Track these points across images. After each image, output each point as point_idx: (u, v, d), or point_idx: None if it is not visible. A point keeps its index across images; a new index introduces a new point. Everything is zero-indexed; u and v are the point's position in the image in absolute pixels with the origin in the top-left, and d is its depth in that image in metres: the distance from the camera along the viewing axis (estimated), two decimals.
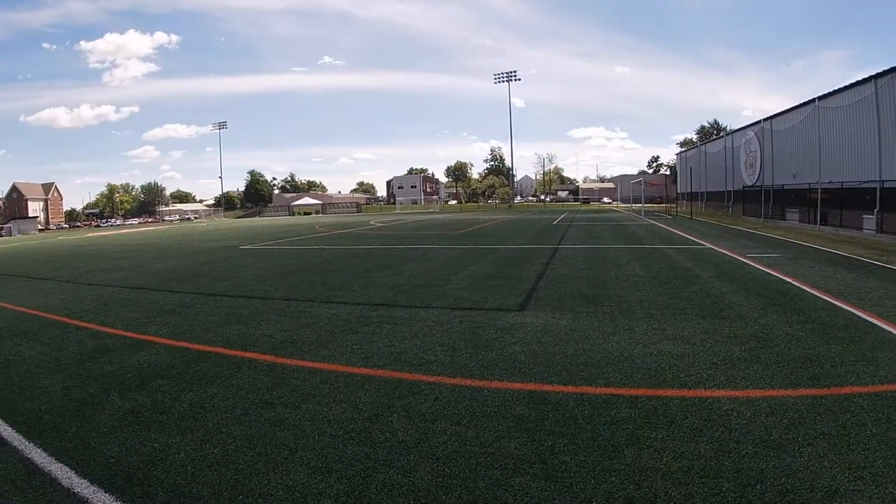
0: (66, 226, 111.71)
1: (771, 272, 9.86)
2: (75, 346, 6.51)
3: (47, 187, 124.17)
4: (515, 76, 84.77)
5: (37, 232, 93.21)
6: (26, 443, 3.71)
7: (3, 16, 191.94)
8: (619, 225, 27.05)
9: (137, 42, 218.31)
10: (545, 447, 3.34)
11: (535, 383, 4.49)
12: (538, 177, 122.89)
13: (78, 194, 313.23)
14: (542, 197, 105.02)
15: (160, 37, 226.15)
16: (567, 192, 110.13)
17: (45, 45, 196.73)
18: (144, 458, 3.42)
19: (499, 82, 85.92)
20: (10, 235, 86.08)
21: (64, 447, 3.59)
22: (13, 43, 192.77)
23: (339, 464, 3.24)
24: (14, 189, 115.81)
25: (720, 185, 40.38)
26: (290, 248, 20.07)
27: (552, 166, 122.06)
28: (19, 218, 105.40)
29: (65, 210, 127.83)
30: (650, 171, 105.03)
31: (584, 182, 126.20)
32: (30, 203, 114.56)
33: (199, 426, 3.91)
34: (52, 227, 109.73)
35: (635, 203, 55.96)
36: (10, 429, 4.03)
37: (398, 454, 3.33)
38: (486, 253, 15.25)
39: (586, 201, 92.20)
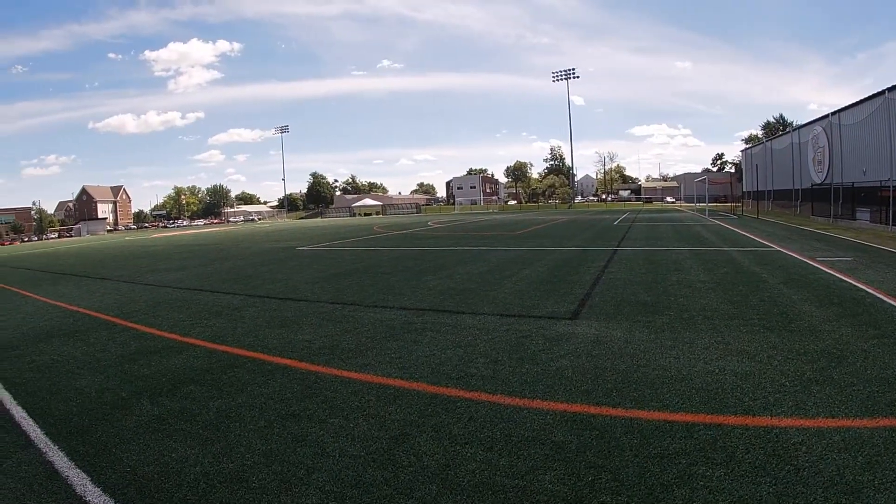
0: (134, 227, 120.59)
1: (843, 278, 9.28)
2: (119, 348, 6.85)
3: (116, 190, 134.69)
4: (574, 73, 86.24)
5: (105, 233, 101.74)
6: (52, 445, 3.88)
7: (68, 28, 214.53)
8: (682, 225, 26.38)
9: (200, 50, 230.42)
10: (584, 483, 3.00)
11: (581, 404, 4.12)
12: (599, 176, 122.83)
13: (146, 197, 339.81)
14: (603, 196, 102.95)
15: (222, 45, 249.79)
16: (629, 191, 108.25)
17: (111, 56, 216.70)
18: (160, 469, 3.44)
19: (557, 80, 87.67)
20: (80, 236, 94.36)
21: (86, 452, 3.72)
22: (80, 54, 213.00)
23: (354, 489, 3.06)
24: (84, 192, 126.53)
25: (787, 184, 39.30)
26: (345, 250, 20.70)
27: (613, 165, 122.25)
28: (89, 219, 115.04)
29: (133, 212, 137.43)
30: (714, 168, 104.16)
31: (647, 181, 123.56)
32: (99, 205, 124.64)
33: (221, 437, 3.89)
34: (120, 228, 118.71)
35: (699, 202, 53.73)
36: (39, 430, 4.24)
37: (420, 482, 3.10)
38: (542, 255, 14.84)
39: (648, 201, 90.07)
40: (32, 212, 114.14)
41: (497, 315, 7.41)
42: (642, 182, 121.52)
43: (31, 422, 4.45)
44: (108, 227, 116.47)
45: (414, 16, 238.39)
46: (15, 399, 5.11)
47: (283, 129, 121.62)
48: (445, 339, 6.20)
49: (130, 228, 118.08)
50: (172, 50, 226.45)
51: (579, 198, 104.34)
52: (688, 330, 6.17)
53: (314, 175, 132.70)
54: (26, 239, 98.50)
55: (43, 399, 4.99)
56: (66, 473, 3.40)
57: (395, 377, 4.96)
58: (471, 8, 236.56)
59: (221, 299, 10.20)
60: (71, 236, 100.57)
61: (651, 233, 22.18)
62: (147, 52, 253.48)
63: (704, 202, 48.44)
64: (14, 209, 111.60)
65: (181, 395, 4.81)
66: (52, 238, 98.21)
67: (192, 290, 11.86)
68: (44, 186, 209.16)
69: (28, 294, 14.02)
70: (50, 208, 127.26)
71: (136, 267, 19.63)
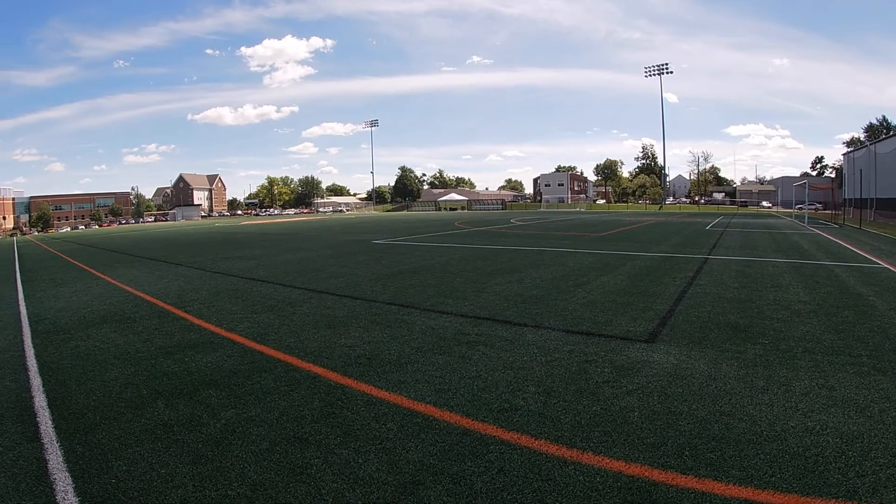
0: (227, 214, 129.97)
1: None
2: (162, 339, 7.04)
3: (212, 178, 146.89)
4: (667, 69, 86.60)
5: (199, 218, 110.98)
6: (54, 442, 3.93)
7: (166, 25, 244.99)
8: (779, 233, 24.55)
9: (294, 47, 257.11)
10: None
11: (643, 464, 3.32)
12: (692, 176, 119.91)
13: (240, 185, 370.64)
14: (696, 198, 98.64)
15: (315, 41, 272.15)
16: (723, 193, 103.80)
17: (209, 51, 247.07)
18: (143, 486, 3.27)
19: (650, 76, 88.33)
20: (175, 220, 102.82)
21: (81, 454, 3.72)
22: (178, 50, 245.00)
23: None
24: (181, 179, 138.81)
25: (893, 191, 37.64)
26: (420, 245, 20.97)
27: (707, 166, 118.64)
28: (184, 205, 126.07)
29: (227, 199, 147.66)
30: (813, 173, 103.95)
31: (742, 183, 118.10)
32: (195, 192, 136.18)
33: (217, 457, 3.62)
34: (214, 214, 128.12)
35: (797, 208, 49.91)
36: (49, 423, 4.32)
37: None
38: (625, 261, 13.65)
39: (744, 204, 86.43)
40: (131, 196, 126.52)
41: (562, 331, 6.70)
42: (737, 184, 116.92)
43: (46, 413, 4.56)
44: (203, 213, 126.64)
45: (502, 10, 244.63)
46: (43, 386, 5.32)
47: (373, 124, 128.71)
48: (497, 358, 5.61)
49: (223, 215, 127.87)
50: (267, 46, 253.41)
51: (671, 199, 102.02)
52: (784, 366, 5.15)
53: (402, 168, 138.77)
54: (124, 221, 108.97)
55: (68, 389, 5.18)
56: (54, 476, 3.41)
57: (428, 402, 4.41)
58: (559, 2, 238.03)
59: (280, 292, 10.30)
60: (166, 220, 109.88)
61: (745, 240, 20.28)
62: (243, 49, 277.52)
63: (803, 208, 44.81)
64: (114, 193, 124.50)
65: (198, 400, 4.69)
66: (149, 222, 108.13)
67: (257, 280, 12.14)
68: (143, 173, 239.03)
69: (102, 276, 15.06)
70: (148, 194, 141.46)
71: (214, 253, 20.93)
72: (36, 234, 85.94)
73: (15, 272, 18.77)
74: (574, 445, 3.60)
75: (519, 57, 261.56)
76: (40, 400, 4.89)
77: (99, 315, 8.97)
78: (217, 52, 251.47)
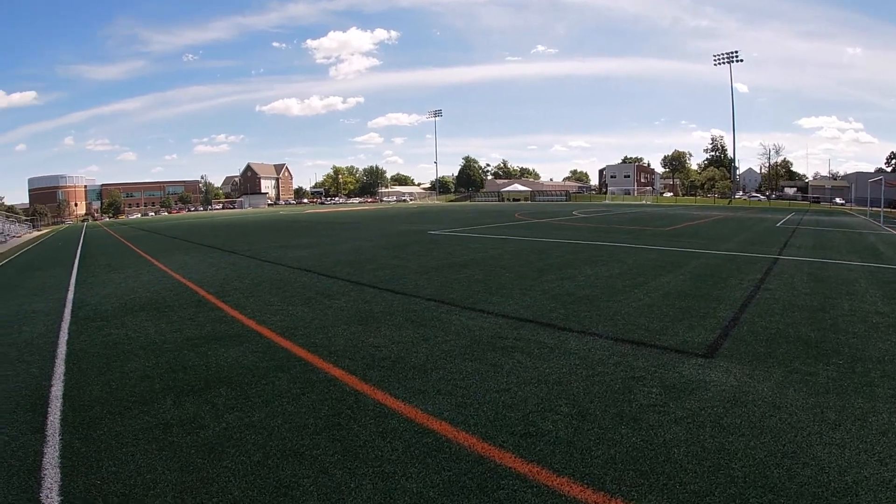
0: (293, 202, 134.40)
1: None
2: (192, 329, 7.07)
3: (279, 167, 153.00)
4: (737, 57, 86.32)
5: (266, 206, 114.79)
6: (56, 436, 3.94)
7: (232, 20, 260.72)
8: (853, 233, 22.85)
9: (359, 39, 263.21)
10: None
11: None
12: (763, 170, 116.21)
13: (306, 175, 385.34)
14: (767, 193, 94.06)
15: (380, 33, 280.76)
16: (794, 188, 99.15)
17: (275, 44, 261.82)
18: (125, 491, 3.18)
19: (719, 64, 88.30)
20: (242, 208, 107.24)
21: (77, 450, 3.71)
22: (246, 43, 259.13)
23: None
24: (249, 168, 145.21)
25: None
26: (475, 236, 20.66)
27: (779, 159, 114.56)
28: (251, 193, 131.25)
29: (293, 188, 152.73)
30: (888, 169, 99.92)
31: (814, 178, 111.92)
32: (262, 181, 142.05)
33: (206, 466, 3.42)
34: (280, 202, 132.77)
35: (873, 206, 46.56)
36: (58, 415, 4.36)
37: None
38: (688, 259, 12.63)
39: (816, 200, 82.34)
40: (200, 185, 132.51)
41: (611, 339, 6.05)
42: (809, 179, 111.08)
43: (58, 403, 4.62)
44: (269, 202, 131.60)
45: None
46: (65, 375, 5.42)
47: (437, 114, 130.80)
48: (532, 368, 5.09)
49: (289, 203, 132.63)
50: (332, 38, 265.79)
51: (740, 193, 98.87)
52: (860, 394, 4.34)
53: (466, 159, 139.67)
54: (192, 209, 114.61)
55: (87, 379, 5.25)
56: (45, 472, 3.41)
57: (444, 418, 3.98)
58: None
59: (322, 283, 10.24)
60: (234, 208, 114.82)
61: (818, 240, 18.54)
62: (309, 41, 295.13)
63: (880, 206, 41.26)
64: (183, 182, 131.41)
65: (205, 399, 4.56)
66: (216, 209, 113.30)
67: (303, 270, 12.19)
68: (213, 162, 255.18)
69: (155, 262, 15.60)
70: (217, 182, 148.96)
71: (270, 241, 21.52)
72: (106, 220, 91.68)
73: (76, 257, 19.83)
74: (602, 488, 3.05)
75: (584, 46, 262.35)
76: (57, 389, 4.98)
77: (140, 302, 9.19)
78: (283, 44, 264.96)
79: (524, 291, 8.81)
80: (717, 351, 5.57)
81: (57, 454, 3.63)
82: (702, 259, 12.59)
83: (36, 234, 55.25)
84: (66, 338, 7.01)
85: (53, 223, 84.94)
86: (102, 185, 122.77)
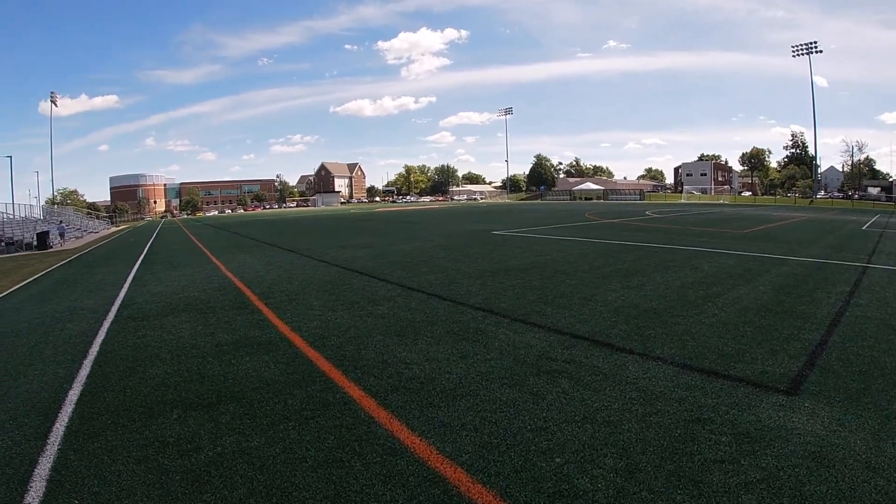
0: (366, 200, 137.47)
1: None
2: (225, 334, 6.89)
3: (352, 167, 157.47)
4: (816, 48, 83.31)
5: (339, 204, 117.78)
6: (55, 445, 3.87)
7: (303, 24, 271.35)
8: None
9: (429, 39, 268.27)
10: None
11: None
12: (845, 168, 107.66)
13: (379, 174, 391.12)
14: (850, 192, 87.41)
15: (450, 33, 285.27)
16: (879, 188, 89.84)
17: (347, 47, 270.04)
18: None
19: (797, 55, 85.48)
20: (315, 206, 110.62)
21: (69, 463, 3.61)
22: (317, 46, 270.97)
23: None
24: (322, 167, 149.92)
25: None
26: (541, 237, 19.92)
27: (862, 156, 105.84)
28: (324, 192, 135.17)
29: (366, 187, 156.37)
30: None
31: None
32: (336, 180, 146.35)
33: (179, 499, 3.12)
34: (353, 200, 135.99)
35: None
36: (65, 422, 4.31)
37: None
38: (769, 266, 11.25)
39: None
40: (275, 183, 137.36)
41: (677, 365, 5.23)
42: (894, 179, 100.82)
43: (69, 409, 4.57)
44: (342, 200, 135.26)
45: None
46: (87, 378, 5.38)
47: (507, 112, 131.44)
48: (579, 401, 4.36)
49: (361, 202, 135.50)
50: (403, 39, 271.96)
51: (822, 193, 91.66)
52: None
53: (537, 157, 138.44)
54: (267, 206, 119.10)
55: (106, 383, 5.22)
56: (32, 483, 3.34)
57: (462, 462, 3.37)
58: None
59: (371, 287, 9.94)
60: (307, 206, 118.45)
61: None
62: (380, 43, 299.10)
63: None
64: (259, 180, 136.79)
65: (211, 416, 4.27)
66: (290, 207, 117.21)
67: (355, 272, 11.95)
68: (289, 161, 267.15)
69: (215, 260, 15.92)
70: (293, 181, 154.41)
71: (331, 240, 21.71)
72: (184, 217, 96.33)
73: (141, 254, 20.54)
74: None
75: (656, 40, 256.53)
76: (75, 393, 4.96)
77: (185, 302, 9.20)
78: (354, 46, 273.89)
79: (584, 302, 8.05)
80: (801, 386, 4.68)
81: (49, 465, 3.55)
82: (783, 267, 11.32)
83: (113, 230, 58.69)
84: (102, 338, 7.02)
85: (133, 220, 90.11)
86: (181, 183, 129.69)
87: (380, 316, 7.50)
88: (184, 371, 5.42)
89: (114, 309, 8.96)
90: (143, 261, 17.58)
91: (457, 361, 5.35)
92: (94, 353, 6.25)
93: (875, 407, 4.15)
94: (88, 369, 5.65)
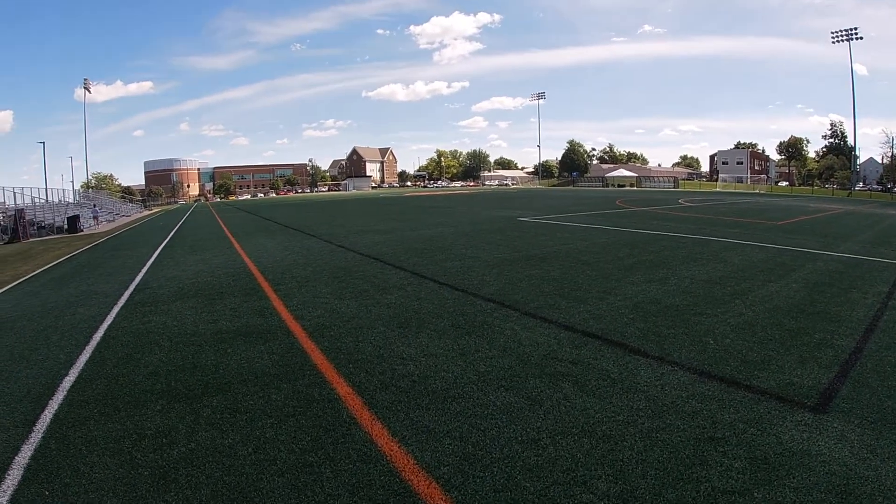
0: (397, 185, 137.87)
1: None
2: (227, 321, 6.81)
3: (383, 151, 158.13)
4: (856, 34, 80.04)
5: (370, 189, 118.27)
6: (39, 433, 3.84)
7: (335, 9, 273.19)
8: None
9: (462, 23, 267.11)
10: None
11: None
12: (885, 160, 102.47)
13: (410, 159, 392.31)
14: (890, 186, 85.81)
15: (483, 17, 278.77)
16: None
17: (379, 31, 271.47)
18: None
19: (837, 41, 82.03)
20: (346, 190, 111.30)
21: (49, 452, 3.57)
22: (350, 31, 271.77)
23: None
24: (354, 152, 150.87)
25: None
26: (567, 225, 19.46)
27: None
28: (356, 176, 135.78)
29: (397, 172, 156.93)
30: None
31: None
32: (367, 164, 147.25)
33: (142, 498, 3.01)
34: (384, 185, 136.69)
35: None
36: (54, 409, 4.28)
37: None
38: (803, 261, 10.57)
39: None
40: (307, 167, 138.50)
41: (694, 371, 4.77)
42: None
43: (61, 396, 4.54)
44: (374, 184, 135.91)
45: None
46: (85, 364, 5.35)
47: (540, 96, 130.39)
48: (580, 410, 3.98)
49: (392, 186, 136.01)
50: (435, 24, 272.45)
51: (861, 185, 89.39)
52: None
53: (570, 142, 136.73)
54: (299, 191, 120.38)
55: (102, 370, 5.16)
56: (10, 472, 3.31)
57: (439, 476, 3.09)
58: None
59: (384, 274, 9.78)
60: (339, 190, 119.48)
61: None
62: (412, 27, 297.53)
63: None
64: (292, 165, 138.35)
65: (193, 409, 4.17)
66: (322, 191, 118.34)
67: (371, 258, 11.84)
68: (321, 146, 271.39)
69: (235, 244, 16.07)
70: (325, 165, 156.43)
71: (354, 224, 21.81)
72: (217, 200, 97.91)
73: (167, 237, 20.81)
74: None
75: (693, 24, 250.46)
76: (70, 380, 4.90)
77: (196, 287, 9.21)
78: (387, 31, 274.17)
79: (602, 296, 7.67)
80: (830, 401, 4.15)
81: (30, 454, 3.52)
82: (818, 262, 10.67)
83: (146, 213, 59.82)
84: (109, 322, 7.02)
85: (166, 203, 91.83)
86: (215, 167, 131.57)
87: (386, 305, 7.30)
88: (178, 359, 5.36)
89: (127, 293, 8.99)
90: (166, 244, 17.78)
91: (456, 358, 5.08)
92: (98, 339, 6.23)
93: None
94: (88, 355, 5.62)
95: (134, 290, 9.30)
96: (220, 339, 6.01)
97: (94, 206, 42.79)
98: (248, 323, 6.64)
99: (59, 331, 6.73)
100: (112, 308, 7.87)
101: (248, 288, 8.88)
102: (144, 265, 12.54)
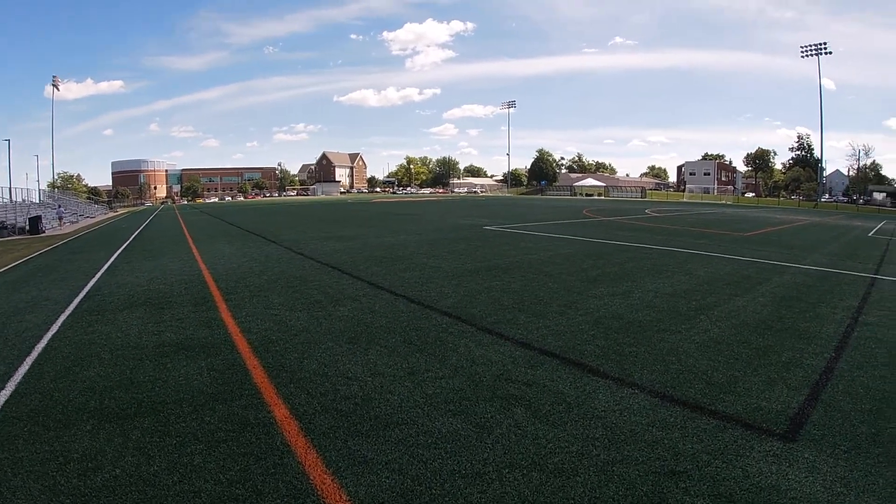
0: (366, 191, 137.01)
1: None
2: (171, 334, 6.50)
3: (353, 157, 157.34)
4: (825, 49, 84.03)
5: (338, 194, 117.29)
6: None
7: (310, 12, 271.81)
8: None
9: (435, 30, 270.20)
10: None
11: None
12: (850, 172, 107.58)
13: (381, 165, 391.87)
14: (856, 197, 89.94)
15: (456, 25, 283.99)
16: (884, 193, 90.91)
17: (353, 36, 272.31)
18: None
19: (806, 56, 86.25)
20: (315, 195, 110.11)
21: None
22: (324, 35, 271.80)
23: None
24: (324, 157, 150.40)
25: None
26: (533, 234, 19.42)
27: (868, 161, 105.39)
28: (325, 181, 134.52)
29: (367, 177, 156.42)
30: None
31: None
32: (337, 169, 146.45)
33: None
34: (353, 190, 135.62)
35: None
36: None
37: None
38: (769, 274, 10.70)
39: None
40: (276, 171, 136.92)
41: (656, 395, 4.51)
42: None
43: None
44: (343, 190, 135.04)
45: None
46: (22, 378, 5.08)
47: (510, 105, 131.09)
48: (531, 438, 3.72)
49: (361, 192, 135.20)
50: (409, 30, 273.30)
51: (827, 196, 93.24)
52: None
53: (539, 151, 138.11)
54: (267, 195, 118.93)
55: (38, 385, 4.87)
56: None
57: None
58: None
59: (340, 284, 9.52)
60: (307, 195, 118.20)
61: None
62: (385, 33, 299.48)
63: None
64: (260, 168, 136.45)
65: (122, 430, 3.90)
66: (290, 195, 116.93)
67: (329, 266, 11.60)
68: (292, 150, 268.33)
69: (194, 250, 15.67)
70: (294, 170, 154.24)
71: (317, 231, 21.42)
72: (184, 203, 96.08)
73: (127, 240, 20.19)
74: None
75: (664, 38, 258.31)
76: (6, 393, 4.64)
77: (147, 295, 8.83)
78: (361, 36, 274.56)
79: (563, 310, 7.49)
80: (801, 428, 3.93)
81: None
82: (786, 275, 10.78)
83: (111, 215, 58.17)
84: (53, 332, 6.69)
85: (133, 205, 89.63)
86: (183, 169, 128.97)
87: (338, 318, 7.05)
88: (116, 375, 5.06)
89: (76, 300, 8.59)
90: (125, 248, 17.18)
91: (404, 379, 4.85)
92: (40, 350, 5.92)
93: (888, 460, 3.47)
94: (27, 367, 5.33)
95: (84, 296, 8.89)
96: (162, 352, 5.70)
97: (60, 206, 41.47)
98: (193, 336, 6.34)
99: (3, 340, 6.38)
100: (59, 316, 7.51)
101: (199, 297, 8.53)
102: (99, 270, 12.03)
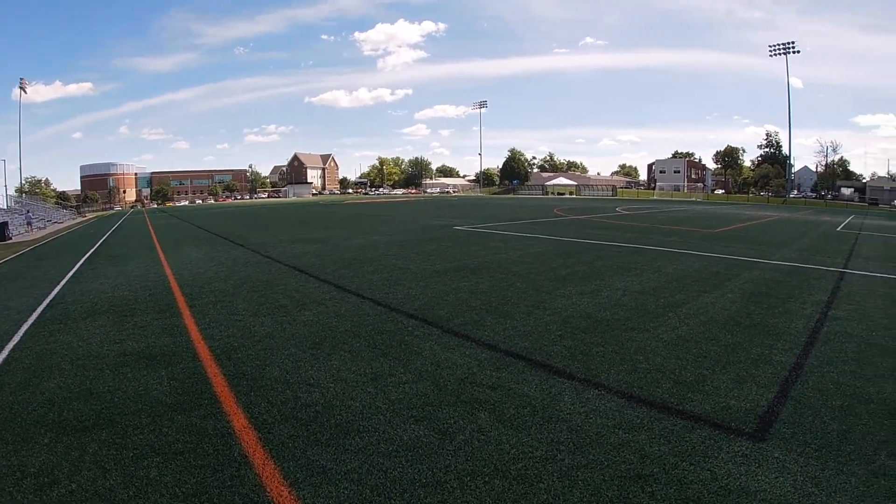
0: (338, 192, 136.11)
1: None
2: (133, 342, 6.36)
3: (325, 158, 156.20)
4: (793, 48, 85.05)
5: (309, 196, 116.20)
6: None
7: (282, 12, 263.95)
8: None
9: (407, 31, 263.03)
10: None
11: None
12: (819, 169, 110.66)
13: (353, 165, 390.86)
14: (823, 192, 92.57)
15: (428, 25, 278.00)
16: (851, 189, 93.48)
17: (324, 37, 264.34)
18: None
19: (774, 55, 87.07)
20: (286, 197, 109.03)
21: None
22: (295, 36, 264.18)
23: None
24: (296, 158, 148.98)
25: None
26: (503, 234, 19.47)
27: (836, 157, 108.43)
28: (297, 183, 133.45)
29: (339, 178, 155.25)
30: None
31: (872, 179, 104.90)
32: (309, 171, 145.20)
33: None
34: (325, 192, 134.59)
35: None
36: None
37: None
38: (739, 270, 10.91)
39: (874, 202, 77.00)
40: (247, 173, 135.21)
41: (623, 395, 4.47)
42: (867, 180, 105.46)
43: None
44: (315, 191, 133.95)
45: None
46: None
47: (482, 105, 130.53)
48: (495, 444, 3.68)
49: (333, 193, 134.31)
50: (380, 31, 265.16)
51: (795, 192, 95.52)
52: None
53: (511, 151, 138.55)
54: (238, 197, 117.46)
55: (1, 397, 4.74)
56: None
57: None
58: None
59: (307, 288, 9.42)
60: (279, 196, 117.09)
61: (888, 250, 16.02)
62: (357, 34, 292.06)
63: None
64: (231, 170, 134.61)
65: (80, 444, 3.80)
66: (262, 198, 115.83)
67: (296, 270, 11.50)
68: (263, 152, 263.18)
69: (160, 255, 15.33)
70: (266, 171, 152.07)
71: (286, 233, 21.17)
72: (154, 206, 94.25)
73: (94, 246, 19.76)
74: None
75: (634, 38, 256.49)
76: None
77: (110, 303, 8.65)
78: (332, 37, 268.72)
79: (530, 310, 7.50)
80: (770, 427, 3.88)
81: None
82: (755, 271, 10.95)
83: (80, 219, 56.81)
84: (15, 342, 6.52)
85: (103, 209, 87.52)
86: (153, 172, 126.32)
87: (302, 323, 6.97)
88: (76, 386, 4.94)
89: (39, 309, 8.38)
90: (91, 254, 16.79)
91: (366, 384, 4.81)
92: (0, 361, 5.76)
93: (859, 458, 3.45)
94: None
95: (47, 304, 8.67)
96: (123, 362, 5.57)
97: (28, 212, 40.45)
98: (155, 344, 6.20)
99: None
100: (22, 325, 7.31)
101: (162, 304, 8.36)
102: (64, 277, 11.73)
